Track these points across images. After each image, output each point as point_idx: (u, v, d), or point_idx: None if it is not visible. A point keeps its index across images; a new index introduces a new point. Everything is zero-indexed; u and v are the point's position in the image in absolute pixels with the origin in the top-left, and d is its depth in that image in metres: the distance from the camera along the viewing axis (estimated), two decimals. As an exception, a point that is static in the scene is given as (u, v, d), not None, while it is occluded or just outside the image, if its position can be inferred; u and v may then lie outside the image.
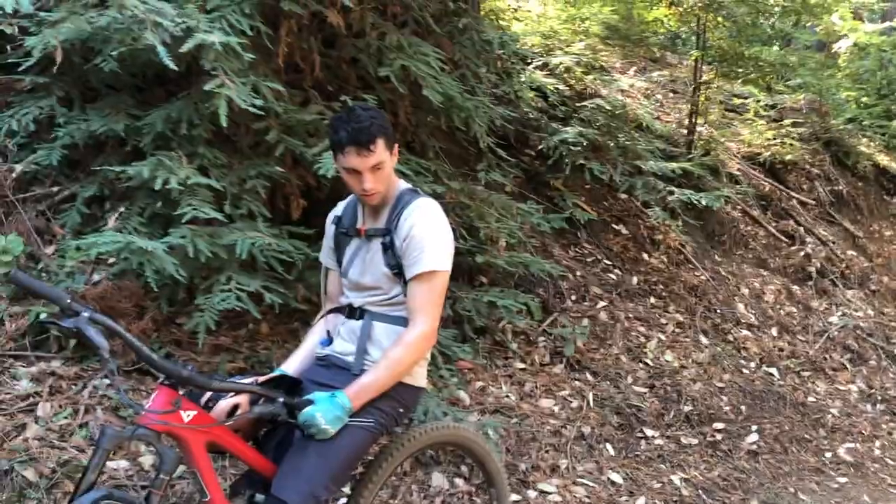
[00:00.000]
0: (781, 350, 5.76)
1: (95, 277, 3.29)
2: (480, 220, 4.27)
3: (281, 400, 2.12)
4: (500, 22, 6.58)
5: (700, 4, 6.72)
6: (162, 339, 3.29)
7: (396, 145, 2.30)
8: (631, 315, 5.25)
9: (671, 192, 5.85)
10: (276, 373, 2.35)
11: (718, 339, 5.52)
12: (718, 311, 5.81)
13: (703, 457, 4.33)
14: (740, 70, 7.32)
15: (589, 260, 5.61)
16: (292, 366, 2.41)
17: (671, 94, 8.75)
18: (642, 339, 5.09)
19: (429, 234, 2.25)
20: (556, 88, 6.16)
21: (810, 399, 5.26)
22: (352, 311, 2.38)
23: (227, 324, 3.50)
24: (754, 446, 4.54)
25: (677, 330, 5.37)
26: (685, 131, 7.27)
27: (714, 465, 4.29)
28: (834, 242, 7.65)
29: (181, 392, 1.99)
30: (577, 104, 6.20)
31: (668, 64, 9.25)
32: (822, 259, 7.17)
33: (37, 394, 2.95)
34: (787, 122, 8.66)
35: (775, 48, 8.43)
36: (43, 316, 3.03)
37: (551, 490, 3.62)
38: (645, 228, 6.15)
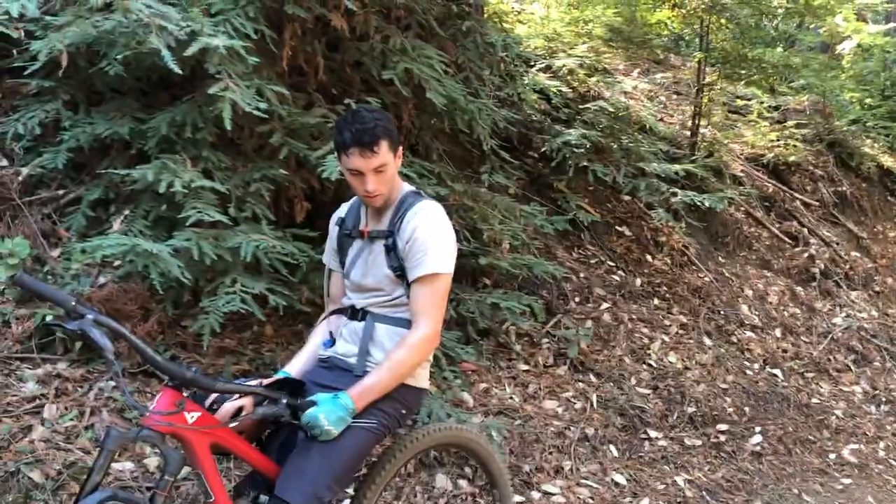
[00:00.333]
0: (785, 351, 5.76)
1: (101, 280, 3.31)
2: (484, 222, 4.28)
3: (284, 401, 2.13)
4: (504, 25, 6.59)
5: (703, 7, 6.73)
6: (167, 341, 3.31)
7: (401, 148, 2.31)
8: (634, 316, 5.26)
9: (674, 194, 5.86)
10: (279, 375, 2.36)
11: (722, 340, 5.52)
12: (722, 312, 5.81)
13: (707, 458, 4.33)
14: (743, 72, 7.33)
15: (592, 262, 5.62)
16: (295, 367, 2.42)
17: (674, 96, 8.76)
18: (646, 341, 5.10)
19: (432, 237, 2.26)
20: (560, 91, 6.17)
21: (814, 400, 5.26)
22: (354, 313, 2.39)
23: (232, 326, 3.52)
24: (758, 448, 4.54)
25: (681, 331, 5.37)
26: (688, 133, 7.27)
27: (718, 466, 4.29)
28: (838, 243, 7.65)
29: (185, 394, 2.01)
30: (581, 106, 6.21)
31: (672, 66, 9.25)
32: (825, 260, 7.17)
33: (43, 396, 2.97)
34: (790, 123, 8.66)
35: (779, 50, 8.42)
36: (49, 318, 3.05)
37: (555, 491, 3.63)
38: (648, 230, 6.16)
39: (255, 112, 3.05)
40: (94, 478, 1.86)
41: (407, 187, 2.39)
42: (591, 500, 3.67)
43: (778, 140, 8.34)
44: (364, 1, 3.47)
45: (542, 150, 5.67)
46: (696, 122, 7.15)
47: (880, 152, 9.68)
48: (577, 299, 5.13)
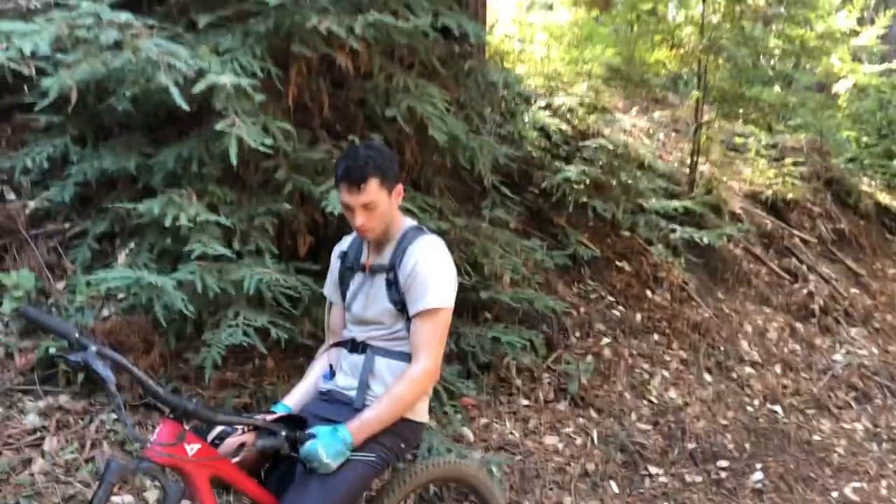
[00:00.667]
0: (785, 387, 5.75)
1: (105, 313, 3.34)
2: (485, 256, 4.31)
3: (283, 434, 2.14)
4: (505, 64, 6.70)
5: (701, 47, 6.83)
6: (169, 373, 3.32)
7: (400, 185, 2.34)
8: (635, 352, 5.26)
9: (673, 230, 5.90)
10: (280, 409, 2.37)
11: (722, 376, 5.52)
12: (722, 348, 5.82)
13: (708, 495, 4.31)
14: (741, 110, 7.42)
15: (592, 296, 5.64)
16: (294, 399, 2.44)
17: (673, 134, 8.85)
18: (646, 376, 5.10)
19: (432, 272, 2.29)
20: (560, 128, 6.25)
21: (815, 437, 5.24)
22: (354, 346, 2.41)
23: (234, 359, 3.53)
24: (759, 485, 4.51)
25: (681, 367, 5.37)
26: (687, 170, 7.34)
27: (718, 503, 4.27)
28: (837, 280, 7.67)
29: (186, 426, 2.03)
30: (580, 143, 6.28)
31: (670, 104, 9.36)
32: (825, 297, 7.18)
33: (44, 428, 2.98)
34: (788, 161, 8.73)
35: (776, 89, 8.53)
36: (52, 350, 3.07)
37: (555, 528, 3.62)
38: (648, 266, 6.18)
39: (261, 148, 3.10)
40: (94, 509, 1.87)
41: (409, 222, 2.43)
42: (591, 537, 3.65)
43: (776, 177, 8.40)
44: (368, 41, 3.54)
45: (543, 185, 5.73)
46: (695, 159, 7.21)
47: (878, 190, 9.75)
48: (577, 334, 5.14)
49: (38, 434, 2.96)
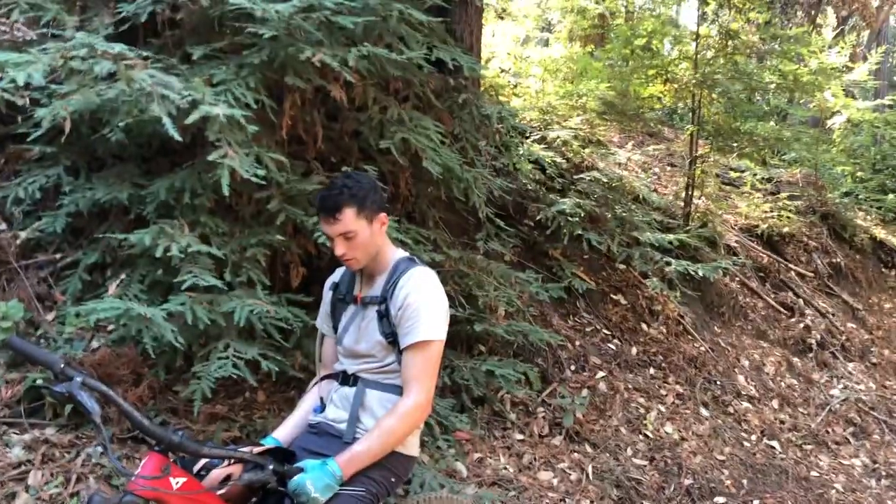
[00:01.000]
0: (783, 423, 5.70)
1: (94, 344, 3.30)
2: (479, 288, 4.30)
3: (271, 467, 2.10)
4: (500, 97, 6.75)
5: (695, 82, 6.90)
6: (159, 406, 3.28)
7: (383, 215, 2.33)
8: (630, 386, 5.22)
9: (668, 263, 5.91)
10: (269, 443, 2.33)
11: (719, 410, 5.47)
12: (718, 382, 5.78)
13: (705, 532, 4.25)
14: (735, 144, 7.47)
15: (588, 329, 5.61)
16: (285, 433, 2.40)
17: (668, 168, 8.90)
18: (642, 411, 5.05)
19: (423, 304, 2.26)
20: (554, 161, 6.29)
21: (813, 473, 5.18)
22: (345, 378, 2.38)
23: (224, 392, 3.49)
24: (757, 522, 4.46)
25: (677, 401, 5.33)
26: (682, 203, 7.36)
27: (716, 541, 4.20)
28: (833, 314, 7.65)
29: (171, 458, 1.99)
30: (575, 176, 6.32)
31: (665, 138, 9.44)
32: (821, 331, 7.16)
33: (29, 462, 2.92)
34: (783, 195, 8.79)
35: (771, 123, 8.61)
36: (38, 382, 3.03)
37: (549, 566, 3.55)
38: (643, 299, 6.17)
39: (254, 179, 3.09)
40: (76, 545, 1.82)
41: (400, 253, 2.42)
42: (586, 576, 3.58)
43: (771, 211, 8.44)
44: (362, 73, 3.55)
45: (538, 218, 5.74)
46: (690, 192, 7.24)
47: (873, 224, 9.80)
48: (572, 367, 5.10)
49: (23, 468, 2.90)
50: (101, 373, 3.08)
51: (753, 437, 5.33)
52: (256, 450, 2.22)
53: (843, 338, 7.33)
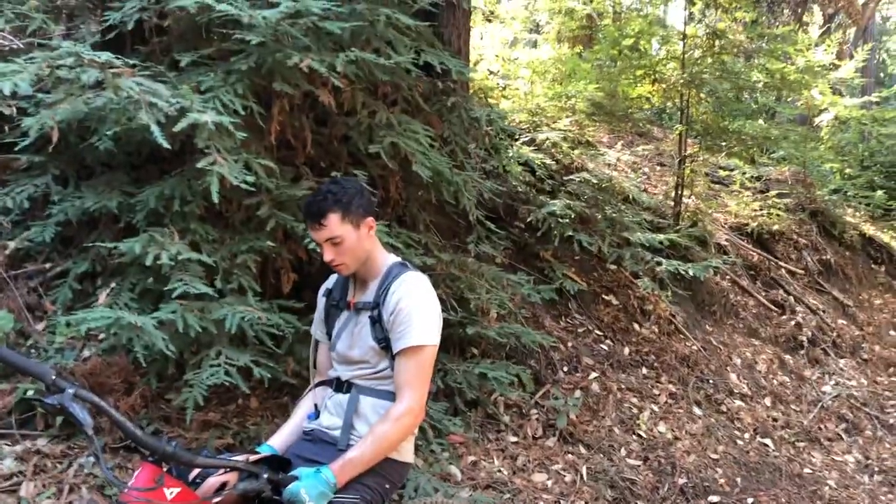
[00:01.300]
0: (775, 420, 5.72)
1: (85, 353, 3.28)
2: (471, 291, 4.30)
3: (265, 476, 2.09)
4: (489, 100, 6.76)
5: (683, 81, 6.92)
6: (151, 415, 3.26)
7: (370, 219, 2.32)
8: (623, 386, 5.23)
9: (659, 263, 5.92)
10: (264, 450, 2.33)
11: (712, 409, 5.49)
12: (711, 381, 5.79)
13: (700, 531, 4.26)
14: (724, 143, 7.50)
15: (580, 330, 5.62)
16: (280, 440, 2.40)
17: (657, 168, 8.93)
18: (635, 411, 5.06)
19: (416, 309, 2.26)
20: (544, 163, 6.30)
21: (806, 470, 5.20)
22: (339, 385, 2.38)
23: (217, 399, 3.48)
24: (751, 520, 4.47)
25: (670, 401, 5.34)
26: (672, 203, 7.39)
27: (711, 539, 4.21)
28: (824, 311, 7.69)
29: (165, 468, 1.98)
30: (565, 178, 6.33)
31: (654, 138, 9.47)
32: (813, 328, 7.20)
33: (21, 473, 2.91)
34: (772, 193, 8.83)
35: (759, 122, 8.66)
36: (30, 393, 3.01)
37: (545, 568, 3.55)
38: (635, 299, 6.18)
39: (243, 185, 3.08)
40: (69, 557, 1.81)
41: (393, 258, 2.41)
42: (582, 577, 3.58)
43: (761, 209, 8.48)
44: (351, 78, 3.55)
45: (528, 220, 5.75)
46: (679, 192, 7.27)
47: (862, 221, 9.85)
48: (565, 369, 5.11)
49: (15, 479, 2.88)
50: (92, 382, 3.07)
51: (746, 435, 5.35)
52: (251, 458, 2.21)
53: (834, 334, 7.37)
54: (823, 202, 9.43)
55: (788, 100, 10.55)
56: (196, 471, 2.16)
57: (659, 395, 5.35)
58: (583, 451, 4.50)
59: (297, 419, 2.47)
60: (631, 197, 6.97)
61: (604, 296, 6.07)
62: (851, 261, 9.02)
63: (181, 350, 3.17)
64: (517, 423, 4.49)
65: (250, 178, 3.12)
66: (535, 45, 11.00)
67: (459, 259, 4.48)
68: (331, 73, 3.27)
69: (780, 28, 8.31)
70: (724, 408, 5.57)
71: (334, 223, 2.22)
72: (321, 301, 2.51)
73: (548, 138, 6.55)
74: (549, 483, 4.13)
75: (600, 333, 5.70)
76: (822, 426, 5.90)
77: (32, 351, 3.24)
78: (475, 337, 4.39)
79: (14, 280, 3.46)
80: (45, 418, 3.09)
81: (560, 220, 5.59)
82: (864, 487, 5.25)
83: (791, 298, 7.59)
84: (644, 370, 5.56)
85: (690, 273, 5.88)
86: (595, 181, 6.20)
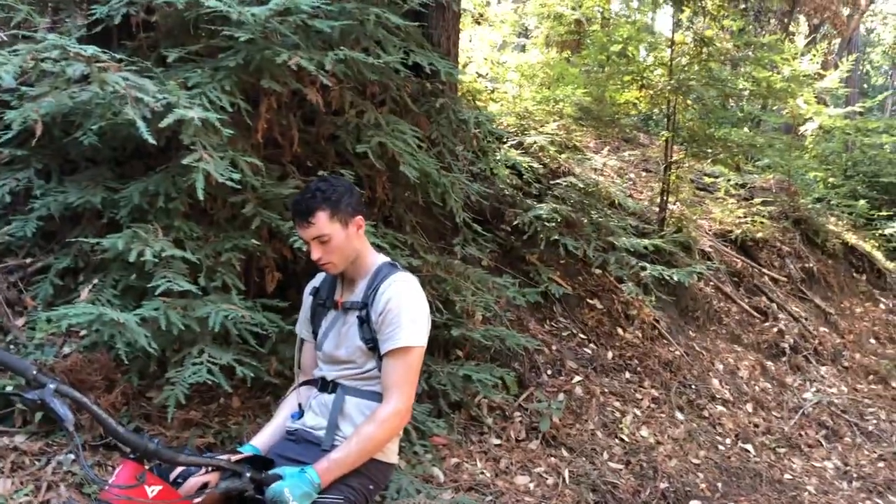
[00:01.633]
0: (757, 426, 5.75)
1: (66, 350, 3.24)
2: (456, 293, 4.29)
3: (248, 475, 2.07)
4: (477, 102, 6.76)
5: (670, 88, 6.96)
6: (132, 412, 3.23)
7: (359, 218, 2.31)
8: (606, 390, 5.24)
9: (644, 268, 5.94)
10: (247, 450, 2.30)
11: (694, 414, 5.51)
12: (693, 386, 5.82)
13: (681, 536, 4.27)
14: (709, 150, 7.54)
15: (564, 334, 5.63)
16: (263, 440, 2.37)
17: (643, 173, 8.97)
18: (618, 415, 5.07)
19: (404, 310, 2.24)
20: (531, 166, 6.31)
21: (787, 476, 5.23)
22: (325, 385, 2.36)
23: (198, 398, 3.45)
24: (732, 525, 4.49)
25: (652, 405, 5.36)
26: (657, 209, 7.42)
27: (691, 544, 4.23)
28: (806, 319, 7.75)
29: (147, 466, 1.95)
30: (552, 182, 6.34)
31: (641, 144, 9.51)
32: (794, 335, 7.25)
33: (-3, 469, 2.87)
34: (756, 200, 8.89)
35: (745, 130, 8.72)
36: (9, 388, 2.97)
37: (526, 571, 3.54)
38: (619, 303, 6.20)
39: (229, 183, 3.06)
40: (46, 556, 1.79)
41: (382, 258, 2.40)
42: (563, 580, 3.58)
43: (745, 217, 8.54)
44: (339, 77, 3.54)
45: (514, 223, 5.75)
46: (665, 198, 7.30)
47: (844, 230, 9.94)
48: (549, 372, 5.11)
49: (-9, 476, 2.85)
50: (72, 379, 3.03)
51: (728, 441, 5.38)
52: (234, 457, 2.19)
53: (816, 342, 7.43)
54: (807, 210, 9.51)
55: (774, 108, 10.63)
56: (177, 471, 2.14)
57: (642, 399, 5.36)
58: (565, 454, 4.50)
59: (280, 419, 2.44)
60: (617, 202, 7.00)
61: (588, 300, 6.08)
62: (833, 269, 9.10)
63: (163, 347, 3.14)
64: (500, 426, 4.49)
65: (236, 176, 3.10)
66: (523, 48, 11.02)
67: (445, 261, 4.47)
68: (319, 71, 3.25)
69: (766, 37, 8.37)
70: (706, 413, 5.59)
71: (322, 221, 2.20)
72: (307, 300, 2.49)
73: (535, 142, 6.56)
74: (532, 486, 4.13)
75: (584, 337, 5.71)
76: (802, 433, 5.94)
77: (12, 346, 3.20)
78: (460, 339, 4.38)
79: (-6, 275, 3.42)
80: (24, 415, 3.05)
81: (546, 224, 5.61)
82: (843, 493, 5.29)
83: (774, 305, 7.64)
84: (627, 374, 5.58)
85: (674, 278, 5.90)
86: (581, 186, 6.22)
